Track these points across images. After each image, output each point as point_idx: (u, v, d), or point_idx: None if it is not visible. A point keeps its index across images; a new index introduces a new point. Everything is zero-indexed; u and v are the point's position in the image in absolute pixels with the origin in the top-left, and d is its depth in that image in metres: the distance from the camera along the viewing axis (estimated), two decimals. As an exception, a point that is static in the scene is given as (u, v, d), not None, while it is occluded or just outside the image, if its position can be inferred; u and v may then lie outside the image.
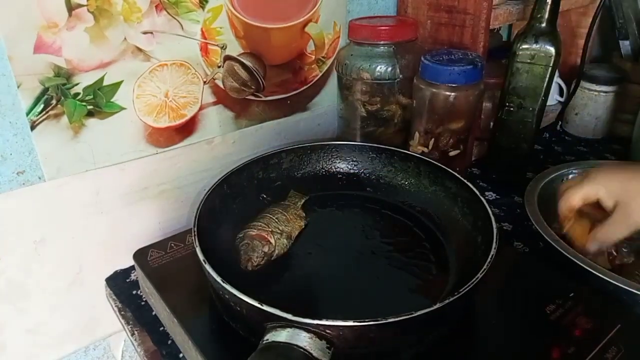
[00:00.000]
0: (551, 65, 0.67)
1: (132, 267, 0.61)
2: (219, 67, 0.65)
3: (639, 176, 0.48)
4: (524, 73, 0.69)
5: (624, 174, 0.50)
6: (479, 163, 0.83)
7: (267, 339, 0.37)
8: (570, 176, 0.68)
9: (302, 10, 0.69)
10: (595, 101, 0.92)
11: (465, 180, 0.56)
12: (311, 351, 0.36)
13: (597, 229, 0.52)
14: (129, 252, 0.57)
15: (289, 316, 0.37)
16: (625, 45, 0.95)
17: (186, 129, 0.65)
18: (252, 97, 0.70)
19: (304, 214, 0.59)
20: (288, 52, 0.71)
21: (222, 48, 0.64)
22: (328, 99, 0.79)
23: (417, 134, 0.71)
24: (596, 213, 0.53)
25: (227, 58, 0.65)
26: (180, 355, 0.49)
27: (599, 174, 0.52)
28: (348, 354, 0.40)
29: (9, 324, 0.58)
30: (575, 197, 0.52)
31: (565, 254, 0.51)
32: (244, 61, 0.66)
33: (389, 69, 0.69)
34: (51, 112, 0.53)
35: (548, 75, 0.68)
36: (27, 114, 0.52)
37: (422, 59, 0.66)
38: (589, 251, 0.52)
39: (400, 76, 0.70)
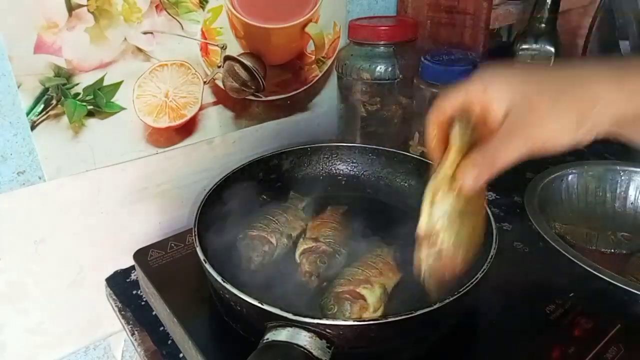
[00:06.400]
0: (551, 65, 0.67)
1: (133, 267, 0.61)
2: (219, 67, 0.65)
3: (539, 77, 0.34)
4: (524, 73, 0.69)
5: (519, 75, 0.35)
6: (479, 163, 0.83)
7: (268, 338, 0.37)
8: (570, 177, 0.68)
9: (302, 11, 0.69)
10: (595, 101, 0.92)
11: (465, 180, 0.56)
12: (311, 350, 0.36)
13: (479, 150, 0.35)
14: (129, 252, 0.57)
15: (289, 315, 0.37)
16: (625, 45, 0.95)
17: (186, 129, 0.65)
18: (252, 97, 0.70)
19: (304, 215, 0.59)
20: (288, 52, 0.71)
21: (222, 48, 0.64)
22: (328, 99, 0.79)
23: (417, 134, 0.71)
24: (473, 133, 0.36)
25: (227, 58, 0.65)
26: (181, 355, 0.49)
27: (486, 74, 0.36)
28: (348, 354, 0.41)
29: (9, 324, 0.58)
30: (451, 101, 0.36)
31: (566, 254, 0.51)
32: (244, 61, 0.66)
33: (389, 69, 0.69)
34: (51, 112, 0.53)
35: (548, 76, 0.68)
36: (27, 114, 0.52)
37: (422, 59, 0.66)
38: (464, 184, 0.36)
39: (400, 76, 0.70)
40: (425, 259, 0.38)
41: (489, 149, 0.35)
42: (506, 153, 0.34)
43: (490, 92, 0.34)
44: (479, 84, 0.35)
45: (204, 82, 0.64)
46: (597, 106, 0.31)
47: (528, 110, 0.32)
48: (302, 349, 0.36)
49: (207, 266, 0.43)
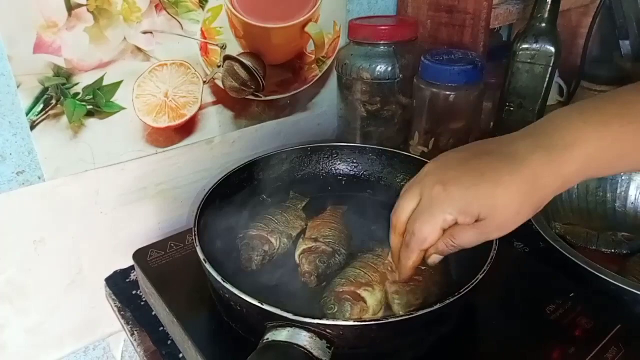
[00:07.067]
0: (551, 65, 0.67)
1: (132, 267, 0.61)
2: (219, 67, 0.65)
3: (491, 184, 0.39)
4: (524, 73, 0.69)
5: (476, 185, 0.39)
6: (479, 163, 0.83)
7: (268, 338, 0.37)
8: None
9: (302, 10, 0.69)
10: (595, 101, 0.92)
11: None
12: (311, 350, 0.36)
13: (452, 233, 0.42)
14: (129, 252, 0.57)
15: (290, 315, 0.37)
16: (625, 45, 0.95)
17: (186, 129, 0.65)
18: (252, 97, 0.70)
19: (304, 215, 0.59)
20: (288, 52, 0.71)
21: (222, 48, 0.64)
22: (328, 99, 0.79)
23: (417, 134, 0.71)
24: None
25: (227, 58, 0.65)
26: (180, 355, 0.49)
27: (449, 192, 0.40)
28: (348, 354, 0.40)
29: (9, 324, 0.58)
30: (434, 232, 0.41)
31: (566, 254, 0.51)
32: (244, 61, 0.66)
33: (389, 68, 0.69)
34: (51, 112, 0.53)
35: (548, 75, 0.68)
36: (27, 114, 0.52)
37: (422, 58, 0.66)
38: (431, 262, 0.44)
39: (400, 76, 0.70)
40: (389, 286, 0.46)
41: (462, 237, 0.41)
42: (470, 241, 0.42)
43: (463, 216, 0.40)
44: (450, 210, 0.40)
45: (204, 82, 0.64)
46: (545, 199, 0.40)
47: (496, 219, 0.40)
48: (302, 349, 0.36)
49: (207, 266, 0.42)
